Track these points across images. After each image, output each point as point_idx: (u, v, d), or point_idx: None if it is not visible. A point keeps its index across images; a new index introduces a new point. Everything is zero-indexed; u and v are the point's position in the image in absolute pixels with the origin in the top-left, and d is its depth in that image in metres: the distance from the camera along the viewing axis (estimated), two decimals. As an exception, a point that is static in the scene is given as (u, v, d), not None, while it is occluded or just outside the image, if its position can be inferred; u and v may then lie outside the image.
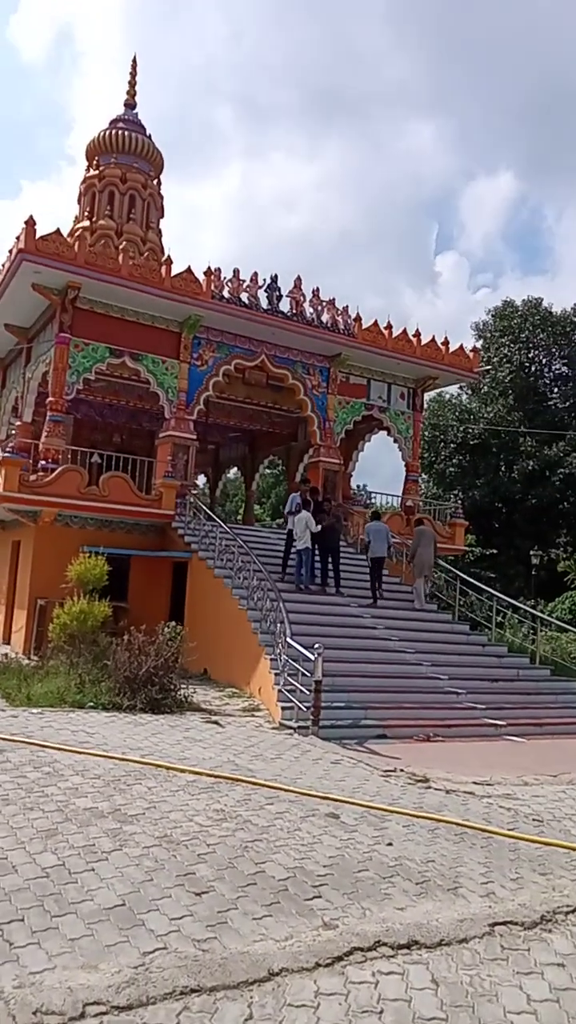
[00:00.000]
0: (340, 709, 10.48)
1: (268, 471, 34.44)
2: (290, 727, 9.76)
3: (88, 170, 25.49)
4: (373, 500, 27.78)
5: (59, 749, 7.45)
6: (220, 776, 6.90)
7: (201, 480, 33.13)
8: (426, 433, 36.09)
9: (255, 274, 17.72)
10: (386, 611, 14.61)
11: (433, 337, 20.05)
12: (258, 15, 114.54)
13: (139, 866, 4.71)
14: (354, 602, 14.54)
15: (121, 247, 16.73)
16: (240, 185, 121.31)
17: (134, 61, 28.38)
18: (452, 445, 36.53)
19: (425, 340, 19.90)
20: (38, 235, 15.31)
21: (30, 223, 15.28)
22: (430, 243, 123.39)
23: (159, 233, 25.37)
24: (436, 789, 7.41)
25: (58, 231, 15.56)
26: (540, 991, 3.71)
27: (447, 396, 37.55)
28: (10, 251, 16.23)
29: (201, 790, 6.46)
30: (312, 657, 9.71)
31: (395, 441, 20.57)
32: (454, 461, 36.63)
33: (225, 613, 13.48)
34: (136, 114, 26.67)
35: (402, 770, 8.17)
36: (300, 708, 9.83)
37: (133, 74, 27.91)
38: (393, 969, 3.79)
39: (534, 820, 6.58)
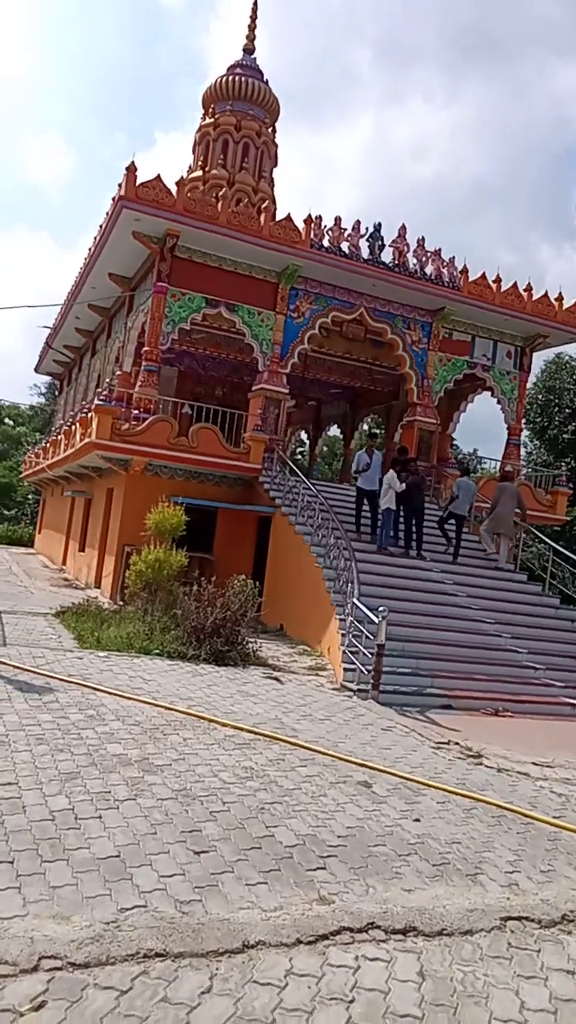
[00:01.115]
0: (405, 675, 10.19)
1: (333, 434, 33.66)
2: (351, 689, 9.55)
3: (204, 118, 25.29)
4: (483, 465, 26.82)
5: (109, 693, 7.54)
6: (259, 733, 6.79)
7: (303, 436, 33.04)
8: (539, 396, 34.54)
9: (357, 222, 17.12)
10: (469, 578, 14.06)
11: (546, 292, 18.90)
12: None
13: (147, 818, 4.65)
14: (436, 566, 14.08)
15: (220, 194, 16.46)
16: (373, 133, 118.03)
17: (255, 3, 27.71)
18: (568, 410, 34.71)
19: (538, 295, 18.78)
20: (139, 182, 15.27)
21: (131, 170, 15.24)
22: (571, 194, 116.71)
23: (271, 183, 24.94)
24: (487, 766, 7.06)
25: (158, 177, 15.44)
26: (538, 999, 3.40)
27: (565, 358, 35.60)
28: (113, 199, 16.27)
29: (237, 746, 6.38)
30: (376, 620, 9.42)
31: (498, 402, 19.67)
32: (569, 427, 34.84)
33: (303, 570, 13.33)
34: (255, 59, 26.11)
35: (457, 743, 7.84)
36: (363, 671, 9.60)
37: (253, 18, 27.33)
38: (379, 955, 3.57)
39: (586, 809, 6.15)
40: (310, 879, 4.20)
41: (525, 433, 36.05)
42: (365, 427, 28.27)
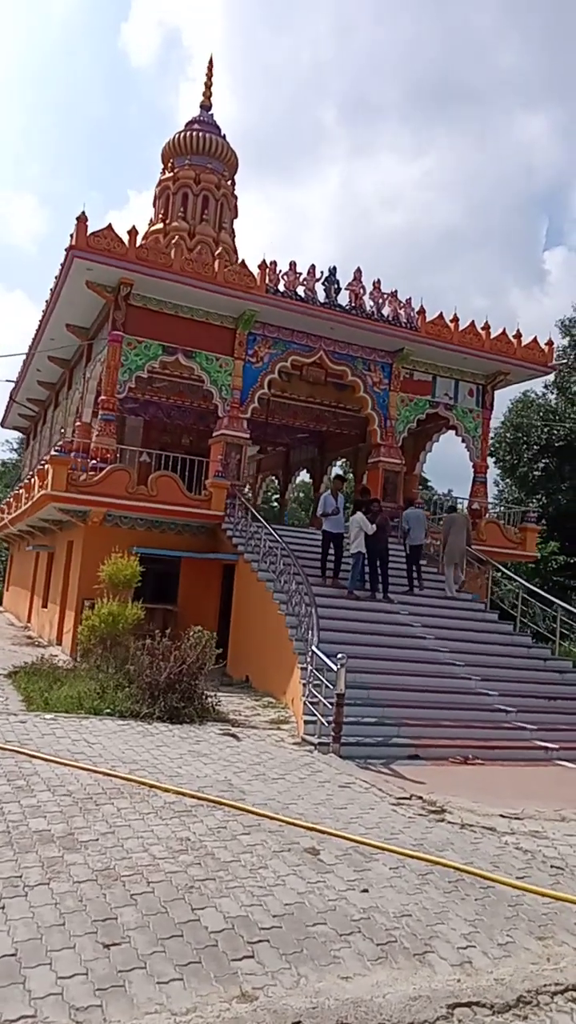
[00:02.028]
0: (370, 725, 9.75)
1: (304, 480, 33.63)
2: (311, 743, 9.08)
3: (163, 172, 25.53)
4: (461, 504, 26.62)
5: (45, 760, 7.04)
6: (202, 798, 6.31)
7: (271, 482, 32.76)
8: (507, 435, 34.65)
9: (312, 267, 17.12)
10: (439, 619, 13.71)
11: (504, 330, 18.93)
12: (365, 10, 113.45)
13: (57, 906, 4.17)
14: (404, 608, 13.71)
15: (173, 242, 16.42)
16: (344, 185, 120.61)
17: (210, 63, 28.31)
18: (536, 447, 34.82)
19: (496, 333, 18.81)
20: (89, 232, 15.17)
21: (82, 219, 15.16)
22: (539, 239, 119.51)
23: (232, 233, 25.11)
24: (450, 822, 6.60)
25: (109, 227, 15.35)
26: None
27: (531, 396, 35.86)
28: (66, 249, 16.14)
29: (176, 813, 5.90)
30: (335, 668, 9.00)
31: (463, 441, 19.54)
32: (538, 464, 34.91)
33: (267, 618, 12.92)
34: (212, 115, 26.57)
35: (420, 797, 7.38)
36: (323, 723, 9.14)
37: (209, 75, 27.83)
38: (302, 1063, 3.11)
39: (553, 867, 5.70)
40: (234, 971, 3.74)
41: (496, 472, 36.21)
42: (335, 471, 28.08)
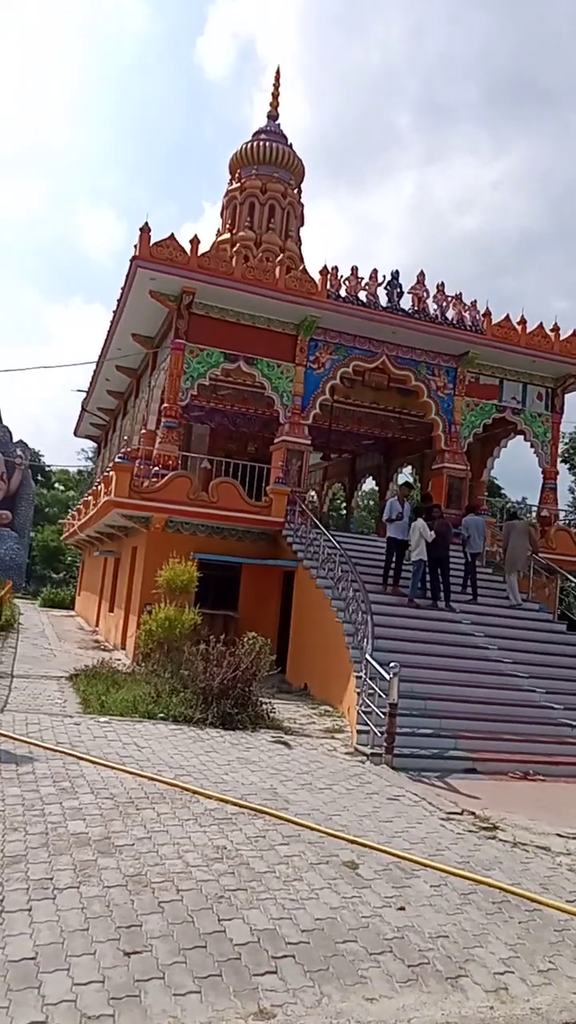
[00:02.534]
0: (426, 736, 9.50)
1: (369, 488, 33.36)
2: (364, 754, 8.90)
3: (231, 183, 25.83)
4: (529, 511, 25.97)
5: (92, 762, 7.08)
6: (244, 806, 6.23)
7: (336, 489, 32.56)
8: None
9: (374, 271, 16.97)
10: (501, 628, 13.31)
11: (574, 331, 18.36)
12: (436, 11, 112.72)
13: (83, 910, 4.15)
14: (466, 617, 13.37)
15: (235, 249, 16.50)
16: (417, 191, 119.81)
17: (277, 73, 28.60)
18: (614, 452, 33.69)
19: (566, 334, 18.26)
20: (152, 242, 15.39)
21: (145, 230, 15.40)
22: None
23: (298, 242, 25.19)
24: (501, 840, 6.35)
25: (172, 236, 15.55)
26: None
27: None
28: (130, 259, 16.43)
29: (216, 821, 5.83)
30: (388, 677, 8.80)
31: (531, 446, 19.00)
32: (616, 470, 33.77)
33: (325, 626, 12.77)
34: (278, 125, 26.76)
35: (473, 813, 7.13)
36: (376, 733, 8.94)
37: (276, 86, 28.03)
38: None
39: (607, 891, 5.40)
40: (254, 986, 3.63)
41: (570, 478, 35.15)
42: (401, 478, 27.76)
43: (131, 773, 6.85)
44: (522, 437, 19.30)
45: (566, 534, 18.37)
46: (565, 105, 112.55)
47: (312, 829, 5.87)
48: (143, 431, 18.83)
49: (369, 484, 30.34)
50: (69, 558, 44.81)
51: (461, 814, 7.01)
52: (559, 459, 33.39)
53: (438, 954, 4.14)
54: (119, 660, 14.92)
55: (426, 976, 3.92)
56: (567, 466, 34.84)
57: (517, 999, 3.80)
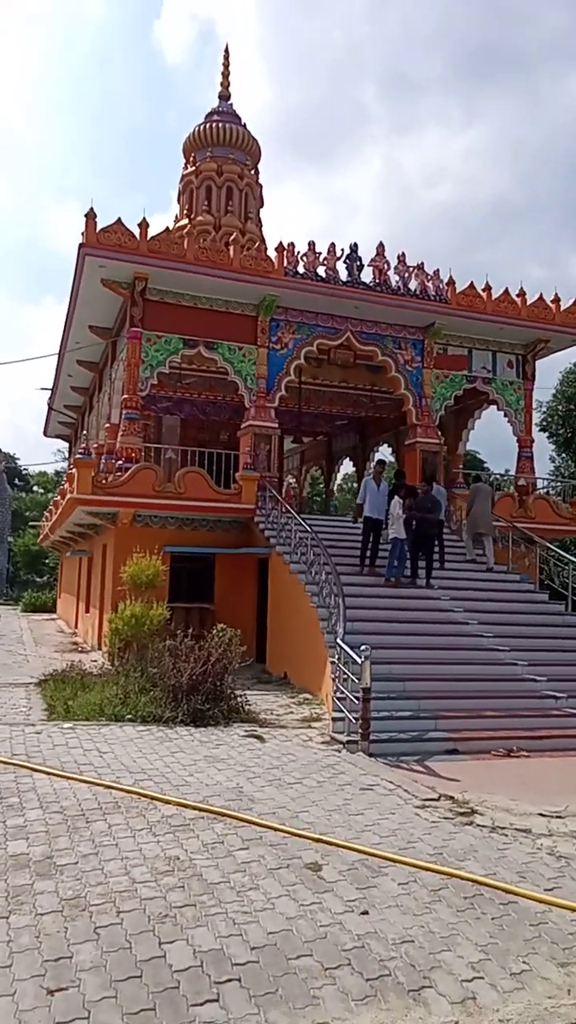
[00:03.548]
0: (405, 719, 9.16)
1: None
2: (340, 742, 8.54)
3: (186, 167, 25.26)
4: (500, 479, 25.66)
5: (48, 774, 6.69)
6: (204, 809, 5.85)
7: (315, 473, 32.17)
8: (559, 407, 33.33)
9: (332, 245, 16.51)
10: (482, 603, 13.00)
11: (541, 295, 18.01)
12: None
13: (10, 943, 3.76)
14: (445, 594, 13.03)
15: (185, 231, 15.99)
16: (387, 166, 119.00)
17: (226, 52, 28.09)
18: (593, 418, 33.39)
19: (532, 299, 17.89)
20: (99, 228, 14.87)
21: (90, 216, 14.88)
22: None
23: (259, 223, 24.67)
24: (479, 825, 6.00)
25: (119, 221, 15.03)
26: None
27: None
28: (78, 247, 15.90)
29: (172, 828, 5.45)
30: (359, 660, 8.44)
31: (505, 415, 18.66)
32: (597, 436, 33.47)
33: (300, 612, 12.41)
34: (231, 105, 26.20)
35: (452, 797, 6.78)
36: (351, 720, 8.59)
37: (226, 65, 27.48)
38: None
39: (590, 874, 5.07)
40: (191, 1019, 3.26)
41: (550, 447, 34.88)
42: (377, 456, 27.40)
43: (86, 782, 6.46)
44: (495, 407, 18.96)
45: (545, 503, 18.09)
46: (536, 70, 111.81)
47: (275, 830, 5.50)
48: (107, 425, 18.35)
49: (348, 466, 29.99)
50: (52, 561, 44.29)
51: (438, 799, 6.67)
52: (538, 428, 33.45)
53: (401, 963, 3.78)
54: (95, 661, 14.49)
55: (386, 991, 3.56)
56: (546, 435, 34.59)
57: (485, 1009, 3.45)
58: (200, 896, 4.37)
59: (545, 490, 19.73)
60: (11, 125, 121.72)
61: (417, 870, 4.91)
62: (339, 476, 35.15)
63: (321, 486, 37.70)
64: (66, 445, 46.01)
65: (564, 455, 34.79)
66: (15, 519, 47.95)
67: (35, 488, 58.18)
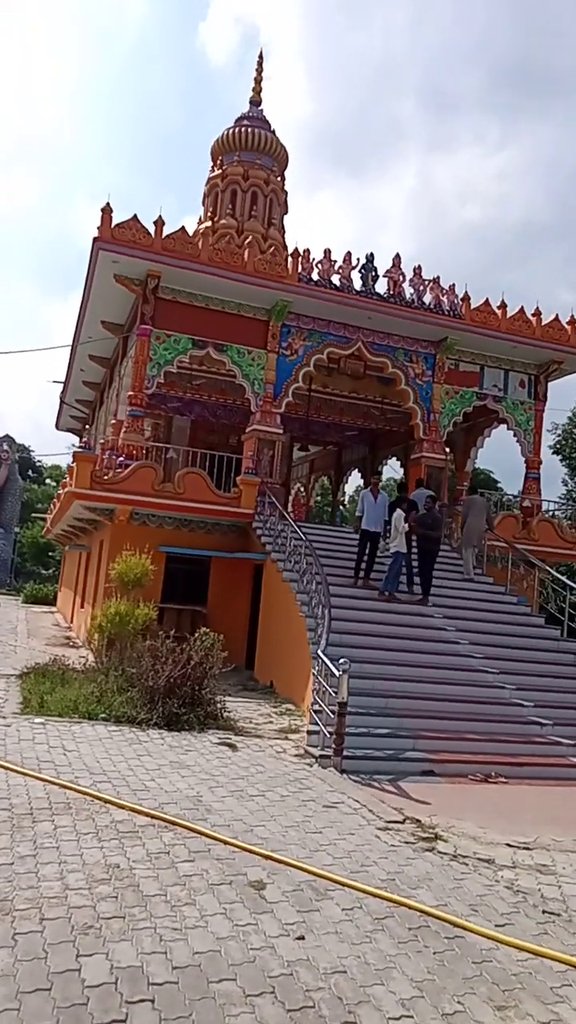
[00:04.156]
0: (382, 736, 8.95)
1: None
2: (313, 755, 8.35)
3: (212, 170, 25.22)
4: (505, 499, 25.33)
5: (4, 768, 6.53)
6: (157, 816, 5.69)
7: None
8: (574, 429, 33.03)
9: (348, 254, 16.38)
10: (476, 623, 12.76)
11: (557, 316, 17.78)
12: None
13: None
14: (439, 612, 12.81)
15: (200, 231, 15.92)
16: (420, 181, 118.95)
17: (260, 57, 27.94)
18: (607, 443, 33.11)
19: (548, 319, 17.68)
20: (114, 223, 14.82)
21: (106, 211, 14.83)
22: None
23: (282, 229, 24.56)
24: (441, 852, 5.79)
25: (135, 218, 14.97)
26: None
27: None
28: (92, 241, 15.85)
29: (120, 834, 5.28)
30: (337, 674, 8.25)
31: (514, 435, 18.41)
32: (611, 460, 33.17)
33: (289, 620, 12.23)
34: (261, 111, 26.16)
35: (418, 820, 6.58)
36: (326, 734, 8.39)
37: (259, 71, 27.43)
38: None
39: (546, 912, 4.85)
40: (92, 1041, 3.08)
41: (564, 470, 34.55)
42: (387, 471, 27.23)
43: (43, 780, 6.31)
44: (505, 426, 18.74)
45: (549, 525, 17.80)
46: (573, 92, 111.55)
47: (225, 843, 5.32)
48: (113, 421, 18.27)
49: (357, 478, 29.80)
50: (58, 554, 44.30)
51: (403, 822, 6.46)
52: (551, 451, 33.14)
53: (328, 995, 3.59)
54: (83, 657, 14.35)
55: None
56: (559, 458, 34.30)
57: (409, 1052, 3.25)
58: (132, 908, 4.20)
59: (551, 513, 19.40)
60: (49, 121, 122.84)
61: (364, 896, 4.72)
62: (350, 487, 35.02)
63: (331, 496, 37.58)
64: (77, 439, 46.23)
65: (577, 480, 34.49)
66: (26, 511, 48.02)
67: (48, 481, 58.31)
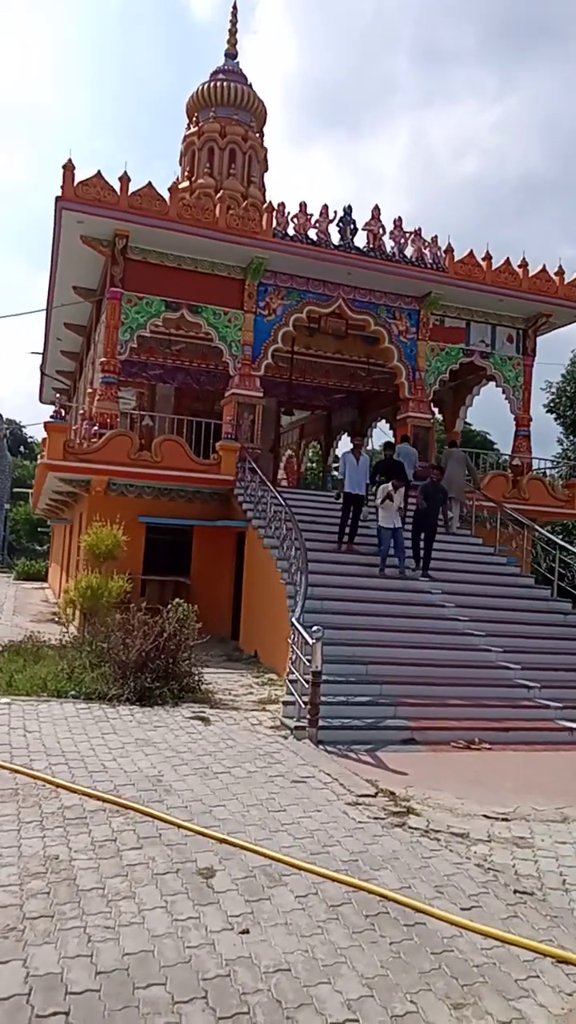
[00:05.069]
0: (362, 705, 8.63)
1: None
2: (288, 727, 8.02)
3: (188, 127, 24.39)
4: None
5: (-46, 753, 6.20)
6: (108, 800, 5.35)
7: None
8: (568, 388, 32.41)
9: (325, 207, 15.78)
10: (462, 585, 12.43)
11: (544, 267, 17.19)
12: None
13: None
14: (424, 575, 12.44)
15: (172, 189, 15.26)
16: (416, 137, 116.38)
17: (234, 7, 26.86)
18: (602, 400, 32.44)
19: (535, 270, 17.09)
20: (77, 180, 14.20)
21: (68, 168, 14.20)
22: None
23: (262, 188, 23.81)
24: (411, 827, 5.46)
25: (99, 174, 14.35)
26: None
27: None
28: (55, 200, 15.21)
29: (65, 821, 4.95)
30: (310, 641, 7.90)
31: (502, 392, 17.93)
32: (605, 418, 32.53)
33: (271, 588, 11.88)
34: (237, 63, 25.23)
35: (392, 793, 6.26)
36: (301, 704, 8.07)
37: (233, 22, 26.44)
38: None
39: (518, 891, 4.52)
40: (-11, 1065, 2.74)
41: (559, 429, 33.98)
42: (377, 433, 26.72)
43: (-7, 764, 5.97)
44: (493, 383, 18.24)
45: (540, 484, 17.39)
46: (571, 36, 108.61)
47: (178, 826, 4.99)
48: (89, 390, 17.78)
49: (347, 442, 29.31)
50: (52, 530, 43.99)
51: (375, 795, 6.14)
52: (545, 410, 32.55)
53: (266, 998, 3.26)
54: (65, 632, 14.05)
55: (239, 1033, 3.04)
56: (554, 416, 33.71)
57: (350, 1062, 2.92)
58: (63, 906, 3.86)
59: (543, 472, 18.95)
60: (36, 90, 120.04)
61: (322, 880, 4.38)
62: (341, 452, 34.46)
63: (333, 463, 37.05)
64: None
65: (572, 438, 33.92)
66: (17, 487, 47.58)
67: (40, 456, 57.77)
